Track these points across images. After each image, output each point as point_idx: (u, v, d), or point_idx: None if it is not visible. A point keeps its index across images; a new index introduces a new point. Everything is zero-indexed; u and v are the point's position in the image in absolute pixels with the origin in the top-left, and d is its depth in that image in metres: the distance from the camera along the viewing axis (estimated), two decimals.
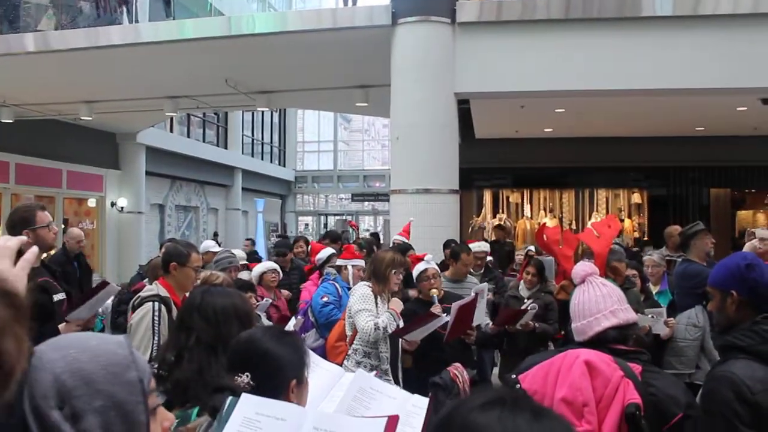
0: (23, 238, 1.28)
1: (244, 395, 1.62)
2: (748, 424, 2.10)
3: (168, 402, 2.21)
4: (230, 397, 1.63)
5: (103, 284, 3.95)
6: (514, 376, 2.17)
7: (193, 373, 2.19)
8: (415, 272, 5.05)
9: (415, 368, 4.72)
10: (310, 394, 2.08)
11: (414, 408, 2.06)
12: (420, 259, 5.29)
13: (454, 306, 4.53)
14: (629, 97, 9.50)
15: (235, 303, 2.39)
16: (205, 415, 1.87)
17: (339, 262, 6.27)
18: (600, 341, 2.18)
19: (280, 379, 1.80)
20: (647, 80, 8.41)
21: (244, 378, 1.79)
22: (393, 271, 4.55)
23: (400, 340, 4.59)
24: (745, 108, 10.74)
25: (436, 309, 4.48)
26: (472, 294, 4.77)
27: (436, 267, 5.15)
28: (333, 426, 1.54)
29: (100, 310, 6.71)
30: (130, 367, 1.01)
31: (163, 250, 4.38)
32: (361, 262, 6.07)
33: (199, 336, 2.29)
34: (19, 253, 1.20)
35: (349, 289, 5.70)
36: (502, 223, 14.44)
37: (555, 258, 5.50)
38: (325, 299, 5.82)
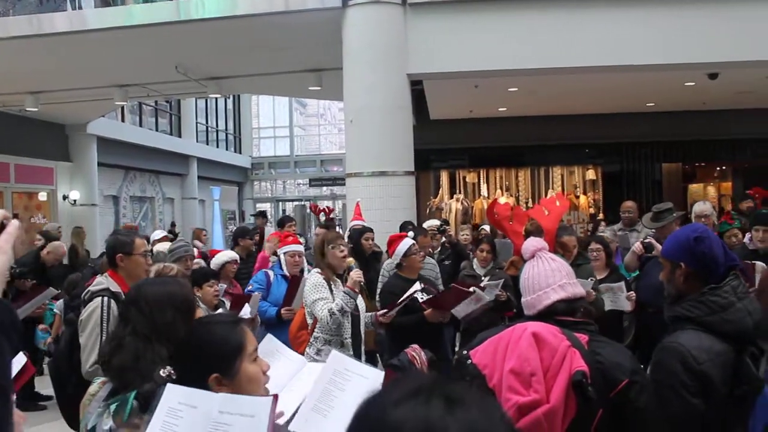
0: (3, 211, 1.25)
1: (169, 385, 1.64)
2: (695, 394, 2.16)
3: (114, 389, 2.23)
4: (160, 386, 1.66)
5: (42, 288, 3.87)
6: (465, 352, 2.19)
7: (129, 361, 2.22)
8: (403, 248, 5.10)
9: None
10: (272, 381, 2.08)
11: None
12: (401, 237, 5.35)
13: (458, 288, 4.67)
14: (581, 75, 9.60)
15: (170, 291, 2.39)
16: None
17: (279, 251, 6.09)
18: (549, 314, 2.21)
19: (199, 373, 1.76)
20: (598, 57, 8.51)
21: (166, 371, 1.79)
22: (330, 246, 4.56)
23: (362, 322, 4.61)
24: (693, 83, 10.96)
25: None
26: (474, 290, 4.86)
27: None
28: (233, 407, 1.62)
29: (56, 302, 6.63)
30: None
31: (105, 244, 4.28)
32: (295, 248, 5.84)
33: (135, 326, 2.30)
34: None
35: (284, 276, 5.63)
36: (438, 205, 14.64)
37: (505, 234, 5.57)
38: (249, 288, 5.76)
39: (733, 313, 2.23)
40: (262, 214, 13.50)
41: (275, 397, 1.63)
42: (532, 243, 2.40)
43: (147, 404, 1.88)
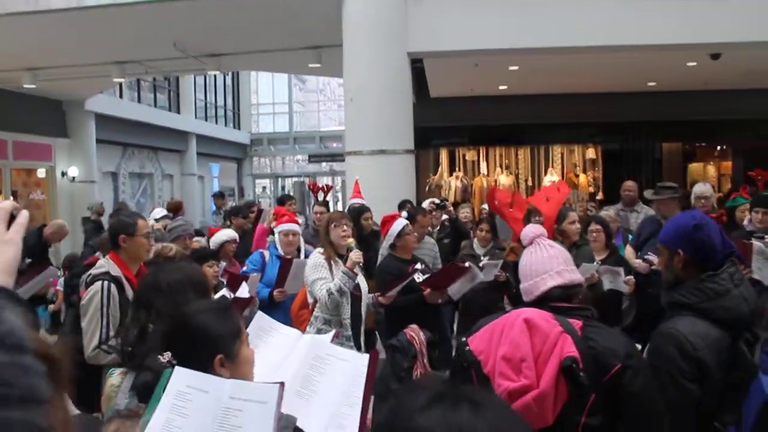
0: (12, 202, 1.25)
1: (177, 368, 1.66)
2: (691, 379, 2.20)
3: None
4: (166, 370, 1.67)
5: (43, 267, 3.88)
6: (464, 339, 2.21)
7: (157, 347, 2.23)
8: (396, 228, 5.07)
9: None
10: (269, 357, 2.13)
11: (364, 368, 2.14)
12: (394, 218, 5.30)
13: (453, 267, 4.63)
14: (582, 54, 9.54)
15: (189, 274, 2.49)
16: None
17: (274, 230, 5.86)
18: (544, 300, 2.23)
19: (203, 356, 1.81)
20: (599, 37, 8.46)
21: (165, 356, 1.81)
22: (333, 225, 4.59)
23: (363, 302, 4.63)
24: (695, 63, 10.89)
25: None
26: (469, 265, 4.84)
27: None
28: (245, 393, 1.64)
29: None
30: None
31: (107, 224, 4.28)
32: (289, 227, 5.61)
33: (159, 311, 2.36)
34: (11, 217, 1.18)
35: (278, 257, 5.52)
36: (437, 182, 14.60)
37: (505, 221, 5.56)
38: (245, 268, 5.64)
39: (730, 300, 2.26)
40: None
41: (282, 384, 1.67)
42: (531, 230, 2.42)
43: (144, 393, 1.90)
